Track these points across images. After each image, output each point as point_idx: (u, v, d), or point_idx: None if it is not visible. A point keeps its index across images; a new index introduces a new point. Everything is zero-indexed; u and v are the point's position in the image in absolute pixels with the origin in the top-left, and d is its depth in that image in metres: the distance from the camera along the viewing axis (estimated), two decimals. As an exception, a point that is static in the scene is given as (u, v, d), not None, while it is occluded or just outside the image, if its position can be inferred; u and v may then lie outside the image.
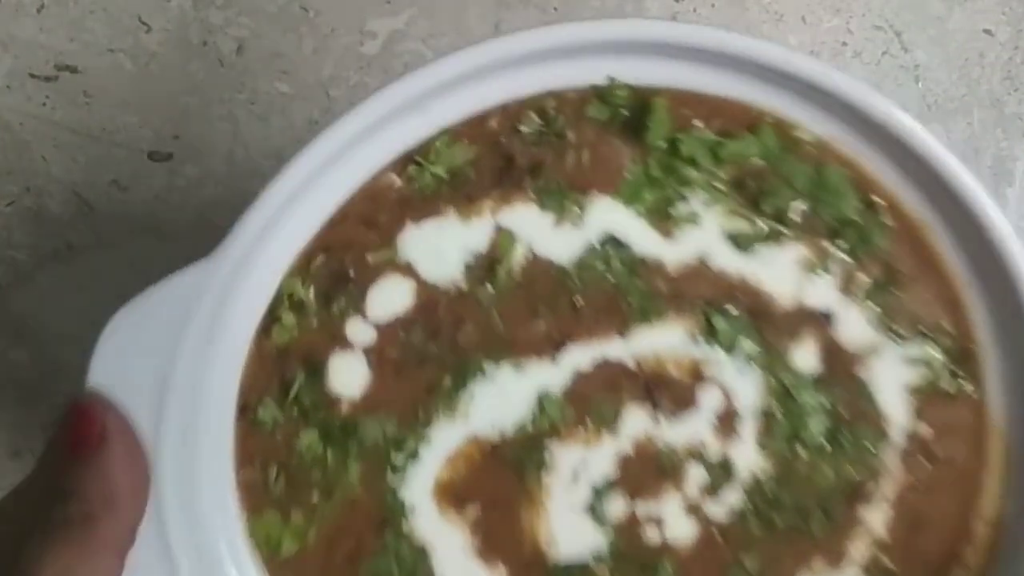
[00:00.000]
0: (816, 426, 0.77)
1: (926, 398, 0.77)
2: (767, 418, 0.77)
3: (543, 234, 0.75)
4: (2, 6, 0.85)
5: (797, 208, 0.76)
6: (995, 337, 0.76)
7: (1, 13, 0.86)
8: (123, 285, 0.66)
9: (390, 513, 0.76)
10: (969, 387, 0.78)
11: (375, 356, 0.76)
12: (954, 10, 1.02)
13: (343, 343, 0.75)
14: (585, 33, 0.70)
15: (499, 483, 0.76)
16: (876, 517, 0.78)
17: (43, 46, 0.89)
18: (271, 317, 0.75)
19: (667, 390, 0.77)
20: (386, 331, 0.76)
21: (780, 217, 0.75)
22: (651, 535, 0.78)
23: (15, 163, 0.85)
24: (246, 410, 0.76)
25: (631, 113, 0.74)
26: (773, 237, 0.76)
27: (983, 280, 0.75)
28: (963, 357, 0.77)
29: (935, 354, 0.77)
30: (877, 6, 1.02)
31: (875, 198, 0.75)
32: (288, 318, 0.76)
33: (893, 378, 0.77)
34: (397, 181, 0.75)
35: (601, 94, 0.74)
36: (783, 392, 0.77)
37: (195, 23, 0.97)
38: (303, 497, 0.76)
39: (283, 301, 0.75)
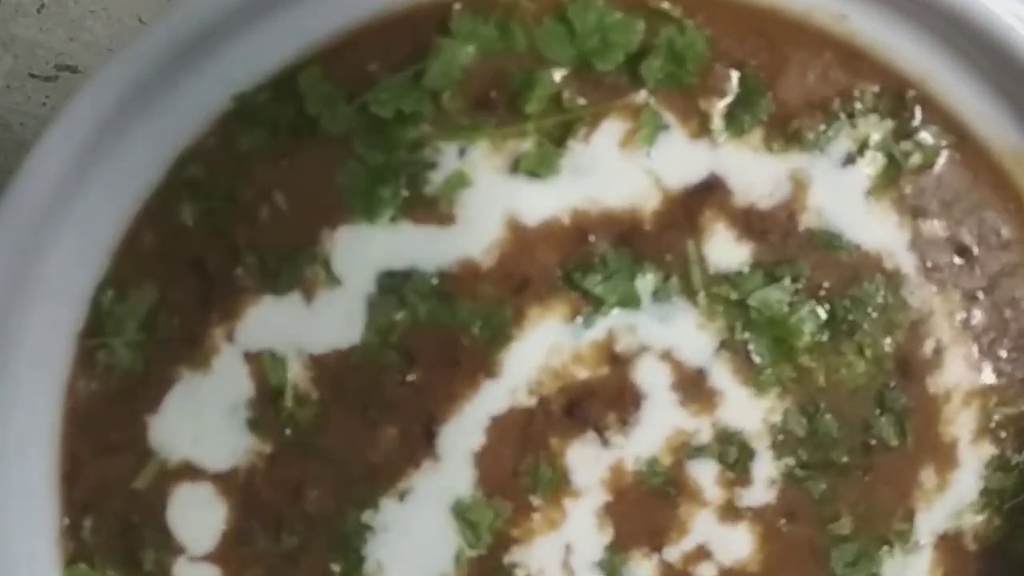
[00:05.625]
0: (803, 321, 0.63)
1: (899, 190, 0.63)
2: (736, 351, 0.63)
3: (304, 325, 0.61)
4: (2, 6, 0.87)
5: (568, 83, 0.60)
6: (934, 54, 0.62)
7: (1, 13, 0.87)
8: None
9: None
10: (940, 138, 0.63)
11: (235, 589, 0.63)
12: None
13: (186, 596, 0.63)
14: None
15: (485, 638, 0.64)
16: (955, 368, 0.64)
17: (43, 46, 0.88)
18: (83, 627, 0.64)
19: (594, 400, 0.63)
20: (224, 556, 0.63)
21: (557, 105, 0.60)
22: (706, 572, 0.64)
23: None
24: None
25: (290, 112, 0.60)
26: (567, 135, 0.61)
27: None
28: (907, 107, 0.63)
29: (870, 130, 0.63)
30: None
31: (653, 3, 0.61)
32: (102, 616, 0.63)
33: (845, 197, 0.63)
34: (93, 383, 0.63)
35: (242, 116, 0.60)
36: (732, 308, 0.63)
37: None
38: None
39: (82, 600, 0.63)
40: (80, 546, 0.63)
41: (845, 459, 0.64)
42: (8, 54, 0.89)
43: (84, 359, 0.62)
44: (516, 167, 0.61)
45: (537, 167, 0.60)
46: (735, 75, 0.62)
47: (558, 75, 0.60)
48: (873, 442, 0.64)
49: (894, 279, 0.63)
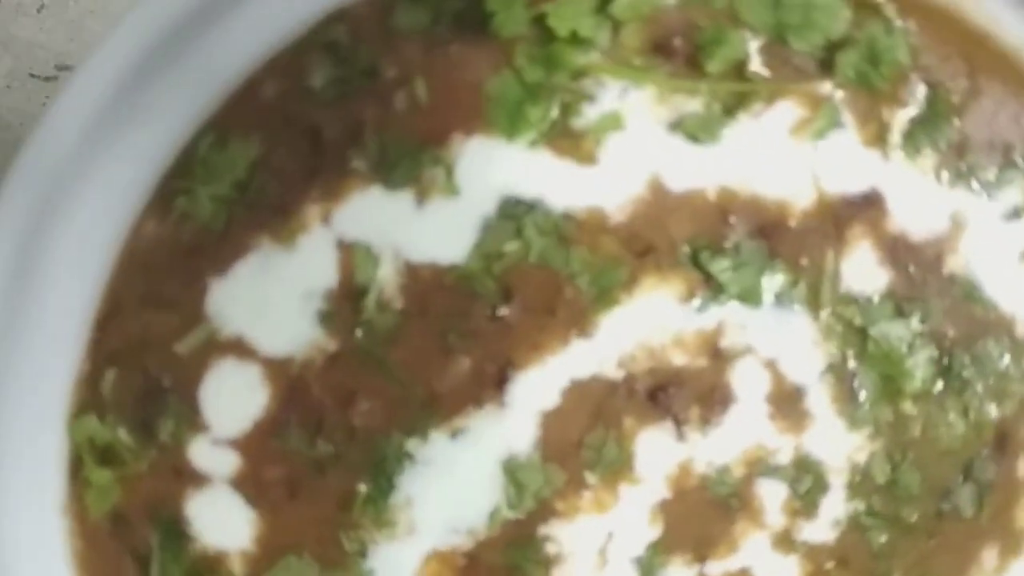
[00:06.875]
0: (917, 365, 0.61)
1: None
2: (841, 379, 0.61)
3: (409, 227, 0.58)
4: (2, 6, 0.88)
5: (758, 51, 0.58)
6: None
7: (1, 13, 0.88)
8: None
9: None
10: None
11: (250, 483, 0.61)
12: None
13: (195, 479, 0.61)
14: None
15: (497, 604, 0.62)
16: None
17: (43, 46, 0.89)
18: (77, 482, 0.61)
19: (682, 390, 0.60)
20: (250, 445, 0.60)
21: (739, 73, 0.58)
22: (740, 599, 0.62)
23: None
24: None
25: (462, 1, 0.57)
26: (740, 105, 0.58)
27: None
28: None
29: None
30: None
31: None
32: (100, 475, 0.61)
33: (998, 252, 0.61)
34: (164, 228, 0.59)
35: (408, -14, 0.57)
36: (852, 332, 0.61)
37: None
38: None
39: (84, 454, 0.60)
40: (95, 397, 0.61)
41: (915, 518, 0.63)
42: (8, 54, 0.89)
43: (161, 201, 0.59)
44: (677, 125, 0.58)
45: (700, 131, 0.59)
46: (926, 92, 0.60)
47: (751, 41, 0.58)
48: (947, 508, 0.63)
49: (1020, 348, 0.62)
